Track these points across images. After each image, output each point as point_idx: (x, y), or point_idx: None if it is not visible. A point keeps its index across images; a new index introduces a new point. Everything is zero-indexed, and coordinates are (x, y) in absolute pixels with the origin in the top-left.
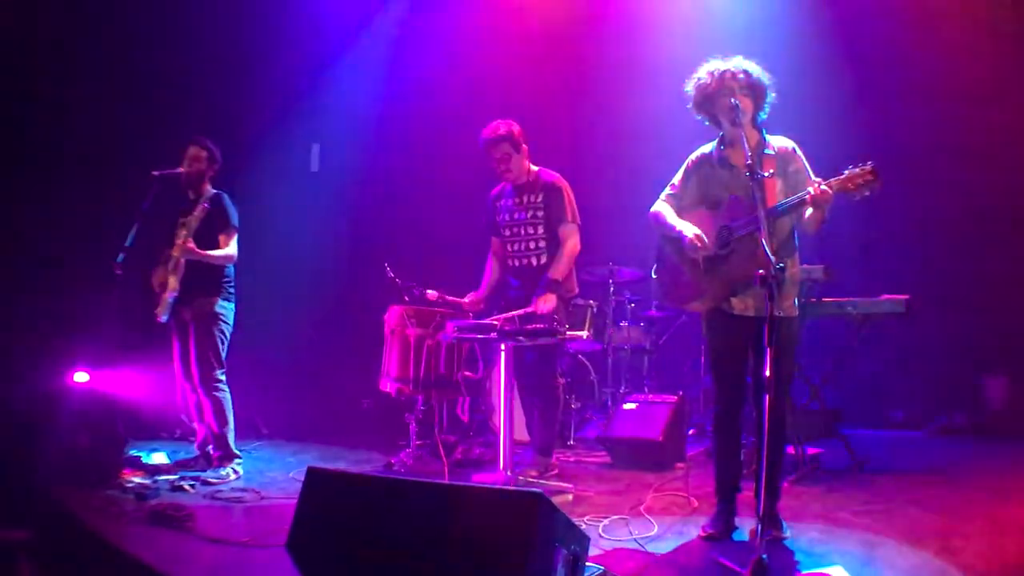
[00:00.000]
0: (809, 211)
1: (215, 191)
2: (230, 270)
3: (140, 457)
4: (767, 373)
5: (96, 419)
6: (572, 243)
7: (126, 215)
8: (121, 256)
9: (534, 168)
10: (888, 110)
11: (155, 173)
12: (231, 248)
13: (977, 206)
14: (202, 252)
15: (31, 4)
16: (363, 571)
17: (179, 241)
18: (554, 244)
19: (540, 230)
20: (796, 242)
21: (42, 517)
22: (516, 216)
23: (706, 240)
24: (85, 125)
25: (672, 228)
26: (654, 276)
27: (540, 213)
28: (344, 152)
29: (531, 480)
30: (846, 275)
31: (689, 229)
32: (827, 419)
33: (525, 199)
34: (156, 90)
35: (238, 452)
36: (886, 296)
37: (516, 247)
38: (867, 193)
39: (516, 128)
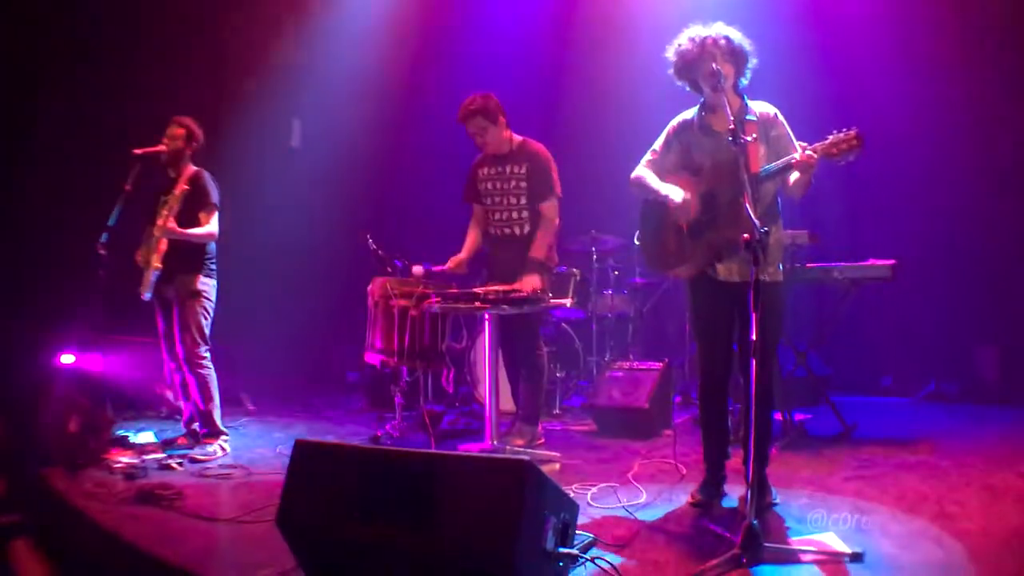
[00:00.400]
0: (795, 176)
1: (196, 169)
2: (212, 247)
3: (127, 437)
4: (753, 338)
5: (83, 400)
6: (552, 218)
7: (108, 194)
8: (104, 236)
9: (518, 137)
10: (873, 76)
11: (136, 152)
12: (211, 226)
13: (971, 173)
14: (182, 231)
15: None
16: (353, 543)
17: (159, 220)
18: (536, 214)
19: (523, 200)
20: (779, 207)
21: (31, 500)
22: (499, 186)
23: (691, 202)
24: (62, 103)
25: (657, 192)
26: (637, 242)
27: (523, 184)
28: (325, 127)
29: (518, 450)
30: (834, 241)
31: (676, 192)
32: (815, 385)
33: (508, 169)
34: (136, 67)
35: (224, 429)
36: (872, 261)
37: (498, 216)
38: (851, 158)
39: (491, 100)
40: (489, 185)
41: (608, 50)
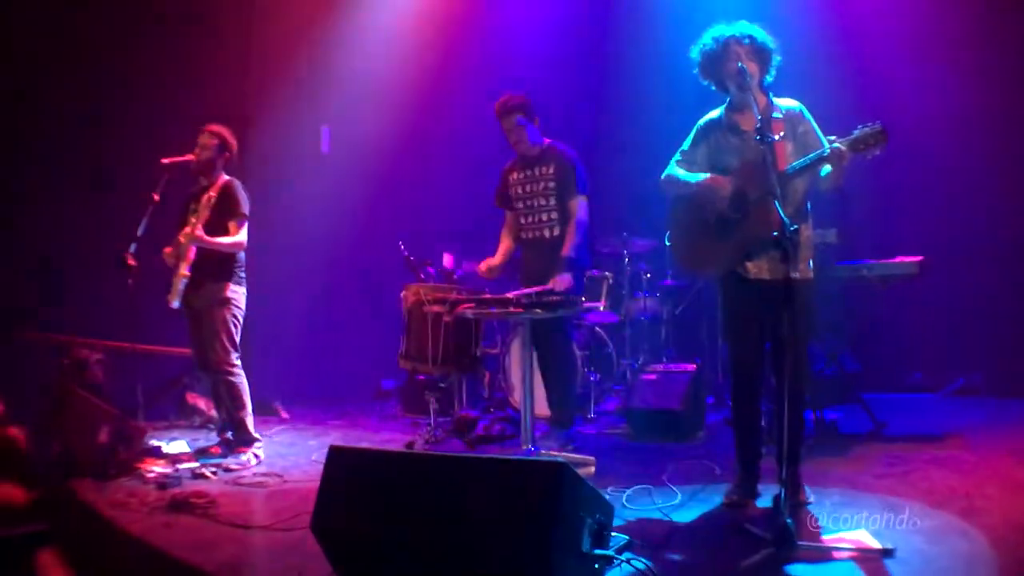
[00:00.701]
0: (826, 169)
1: (228, 178)
2: (241, 255)
3: (160, 447)
4: (785, 335)
5: (113, 410)
6: (581, 215)
7: (138, 202)
8: (133, 246)
9: (546, 141)
10: (897, 69)
11: (164, 161)
12: (240, 236)
13: (996, 164)
14: (210, 240)
15: None
16: (388, 547)
17: (187, 228)
18: (566, 216)
19: (552, 202)
20: (809, 206)
21: (63, 512)
22: (528, 189)
23: (724, 182)
24: (90, 114)
25: (687, 183)
26: (668, 243)
27: (552, 185)
28: (355, 133)
29: (552, 454)
30: (860, 239)
31: (705, 176)
32: (846, 383)
33: (537, 171)
34: (166, 76)
35: (257, 436)
36: (900, 258)
37: (529, 220)
38: (876, 152)
39: (526, 99)
40: (519, 189)
41: (637, 52)
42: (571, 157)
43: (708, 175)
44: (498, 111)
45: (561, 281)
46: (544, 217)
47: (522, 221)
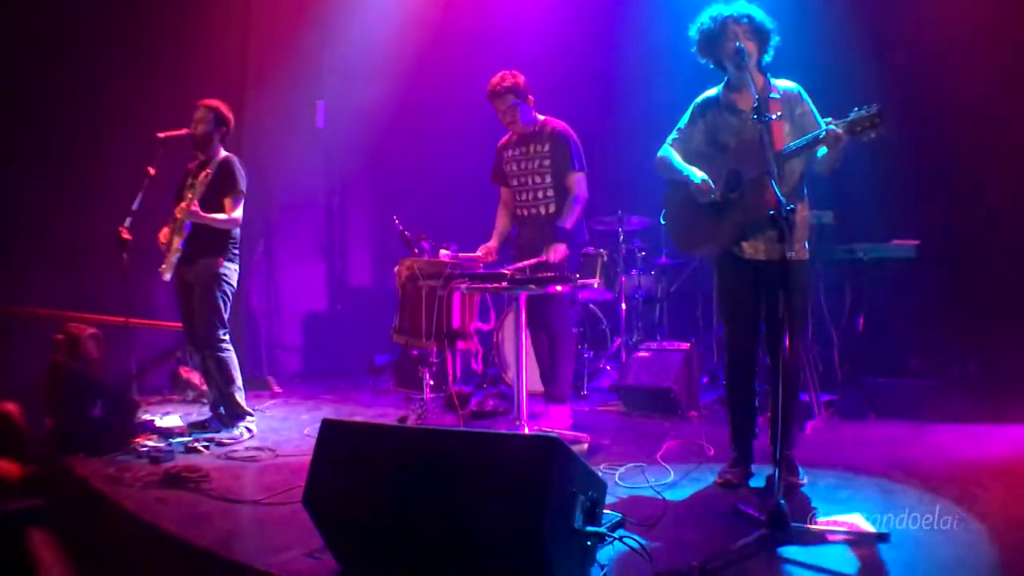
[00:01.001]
0: (822, 151)
1: (226, 154)
2: (236, 232)
3: (153, 421)
4: (780, 315)
5: (108, 385)
6: (579, 191)
7: (132, 177)
8: (128, 220)
9: (540, 117)
10: (895, 53)
11: (160, 136)
12: (236, 212)
13: (994, 149)
14: (205, 215)
15: None
16: (380, 521)
17: (183, 203)
18: (562, 193)
19: (548, 179)
20: (805, 188)
21: (56, 486)
22: (523, 166)
23: (713, 185)
24: (86, 91)
25: (679, 172)
26: (663, 222)
27: (547, 162)
28: (350, 108)
29: (546, 429)
30: (859, 221)
31: (696, 174)
32: (842, 367)
33: (532, 148)
34: (159, 52)
35: (249, 410)
36: (897, 241)
37: (524, 197)
38: (873, 135)
39: (521, 79)
40: (515, 166)
41: (633, 28)
42: (566, 134)
43: (700, 175)
44: (490, 93)
45: (556, 251)
46: (540, 194)
47: (517, 198)
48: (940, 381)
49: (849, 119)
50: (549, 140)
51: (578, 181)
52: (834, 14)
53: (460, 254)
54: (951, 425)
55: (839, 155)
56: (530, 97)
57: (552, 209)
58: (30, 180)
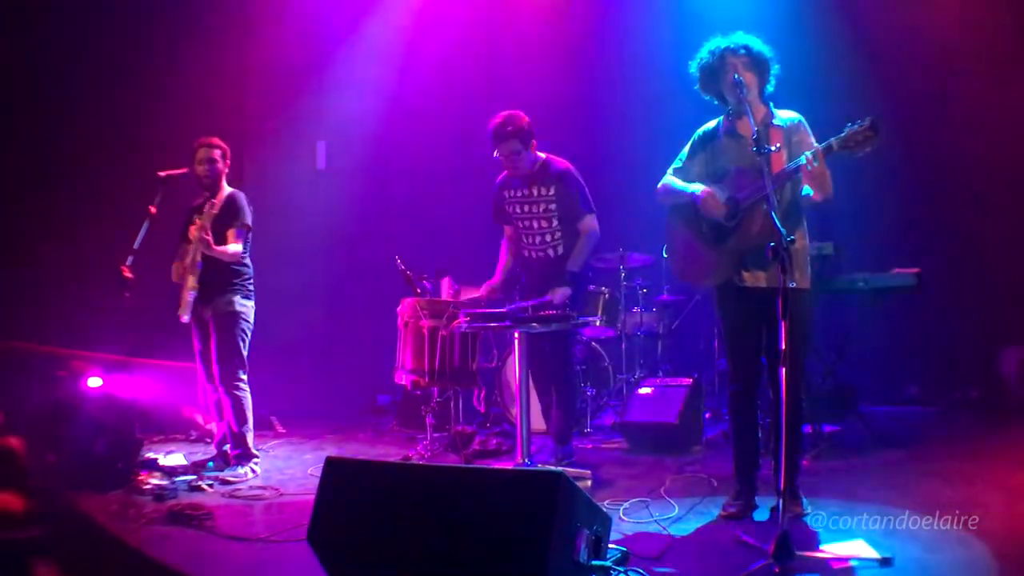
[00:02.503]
0: (807, 189)
1: (232, 190)
2: (249, 268)
3: (156, 459)
4: (782, 346)
5: (111, 423)
6: (591, 234)
7: (132, 215)
8: (130, 259)
9: (541, 155)
10: (896, 80)
11: (161, 174)
12: (236, 246)
13: (991, 175)
14: (214, 247)
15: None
16: (384, 558)
17: (192, 229)
18: (569, 234)
19: (555, 222)
20: (802, 213)
21: (60, 522)
22: (527, 209)
23: (718, 196)
24: (88, 128)
25: (682, 193)
26: (665, 256)
27: (553, 206)
28: (350, 149)
29: (550, 468)
30: (857, 252)
31: (699, 188)
32: (843, 396)
33: (535, 191)
34: (160, 90)
35: (256, 453)
36: (897, 270)
37: (532, 240)
38: (868, 149)
39: (525, 121)
40: (517, 208)
41: (633, 64)
42: (571, 175)
43: (703, 188)
44: (494, 135)
45: (560, 294)
46: (548, 238)
47: (524, 240)
48: (940, 407)
49: (842, 135)
50: (555, 183)
51: (590, 223)
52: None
53: (462, 290)
54: (951, 450)
55: (825, 179)
56: (533, 141)
57: (561, 251)
58: (27, 219)
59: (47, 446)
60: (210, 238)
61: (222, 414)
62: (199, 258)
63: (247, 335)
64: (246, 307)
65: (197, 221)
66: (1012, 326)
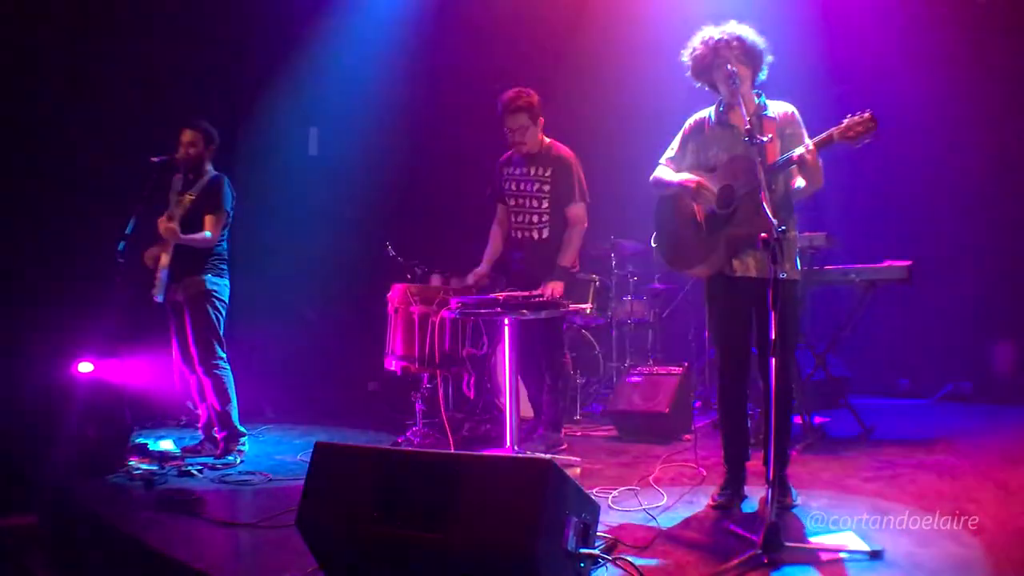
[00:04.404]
0: (800, 182)
1: (216, 174)
2: (221, 247)
3: (146, 444)
4: (772, 336)
5: (102, 408)
6: (581, 225)
7: (125, 203)
8: (122, 244)
9: (546, 140)
10: (887, 78)
11: (152, 159)
12: (212, 231)
13: (982, 169)
14: (183, 236)
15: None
16: (373, 544)
17: (162, 218)
18: (557, 219)
19: (544, 204)
20: (793, 206)
21: (51, 507)
22: (523, 187)
23: (709, 186)
24: (80, 113)
25: (671, 183)
26: (654, 244)
27: (547, 187)
28: (342, 135)
29: (538, 454)
30: (850, 243)
31: (689, 178)
32: (834, 388)
33: (533, 170)
34: (151, 76)
35: (243, 429)
36: (888, 262)
37: (519, 218)
38: (866, 140)
39: (536, 98)
40: (513, 185)
41: (627, 53)
42: (570, 161)
43: (694, 178)
44: (504, 108)
45: (554, 289)
46: (535, 218)
47: (513, 219)
48: (931, 400)
49: (842, 125)
50: (552, 165)
51: (580, 212)
52: (820, 35)
53: (452, 282)
54: (943, 443)
55: (816, 172)
56: (541, 119)
57: (545, 235)
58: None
59: (40, 432)
60: (175, 226)
61: (204, 396)
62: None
63: (222, 313)
64: (218, 285)
65: (175, 212)
66: (1005, 319)
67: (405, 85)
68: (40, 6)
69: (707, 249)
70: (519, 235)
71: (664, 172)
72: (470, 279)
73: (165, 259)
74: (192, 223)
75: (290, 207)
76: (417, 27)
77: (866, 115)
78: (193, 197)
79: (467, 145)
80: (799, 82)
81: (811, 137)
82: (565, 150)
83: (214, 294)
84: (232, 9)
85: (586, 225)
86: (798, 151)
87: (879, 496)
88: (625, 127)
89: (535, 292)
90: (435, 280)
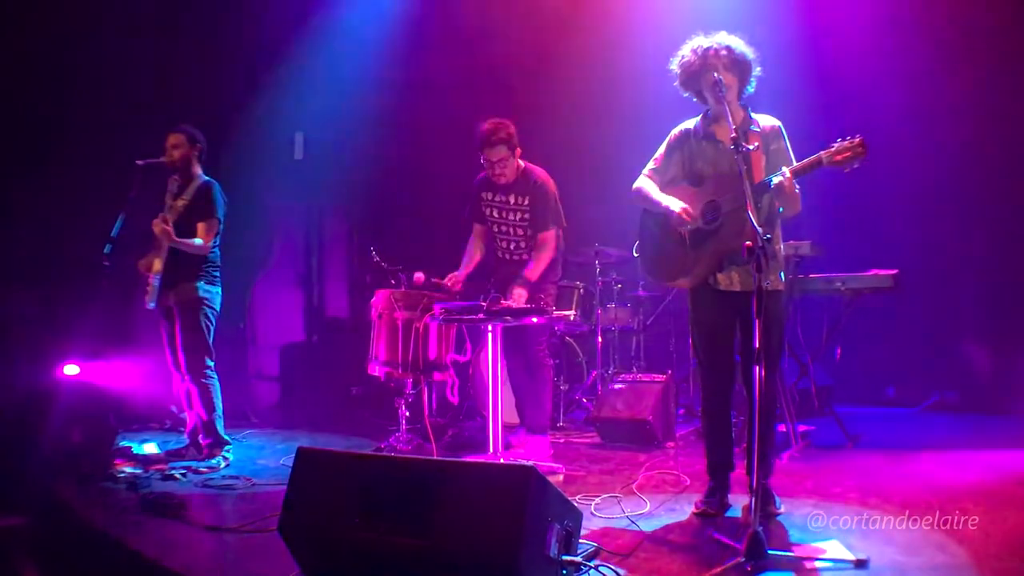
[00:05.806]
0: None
1: (207, 180)
2: (215, 255)
3: (131, 448)
4: (756, 346)
5: (87, 411)
6: (549, 249)
7: (112, 206)
8: (108, 247)
9: (521, 164)
10: (872, 88)
11: (139, 163)
12: (205, 238)
13: (968, 179)
14: (176, 239)
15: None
16: (355, 548)
17: (156, 220)
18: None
19: (528, 232)
20: (778, 223)
21: (36, 509)
22: (504, 215)
23: (693, 213)
24: (67, 117)
25: (657, 204)
26: (636, 254)
27: (526, 216)
28: (328, 140)
29: (521, 461)
30: (835, 251)
31: (675, 203)
32: (818, 397)
33: (513, 199)
34: (137, 80)
35: (228, 439)
36: (874, 271)
37: (504, 244)
38: (855, 165)
39: (512, 129)
40: (494, 212)
41: (610, 60)
42: (547, 188)
43: (679, 204)
44: (483, 141)
45: (517, 297)
46: (522, 244)
47: (497, 242)
48: (917, 409)
49: (832, 149)
50: (531, 192)
51: (551, 237)
52: (806, 47)
53: (434, 278)
54: (929, 453)
55: (794, 199)
56: (518, 149)
57: (527, 257)
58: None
59: (25, 435)
60: (170, 228)
61: (191, 403)
62: (166, 245)
63: (212, 322)
64: (210, 292)
65: (163, 216)
66: (990, 328)
67: (391, 89)
68: (25, 8)
69: (691, 263)
70: (507, 257)
71: (648, 186)
72: (447, 280)
73: (158, 265)
74: (183, 229)
75: (275, 211)
76: (403, 32)
77: (856, 140)
78: (185, 202)
79: (451, 151)
80: (786, 91)
81: (796, 155)
82: (542, 174)
83: (206, 302)
84: (219, 14)
85: (555, 245)
86: (775, 179)
87: (864, 505)
88: (610, 133)
89: (503, 302)
90: (418, 277)
